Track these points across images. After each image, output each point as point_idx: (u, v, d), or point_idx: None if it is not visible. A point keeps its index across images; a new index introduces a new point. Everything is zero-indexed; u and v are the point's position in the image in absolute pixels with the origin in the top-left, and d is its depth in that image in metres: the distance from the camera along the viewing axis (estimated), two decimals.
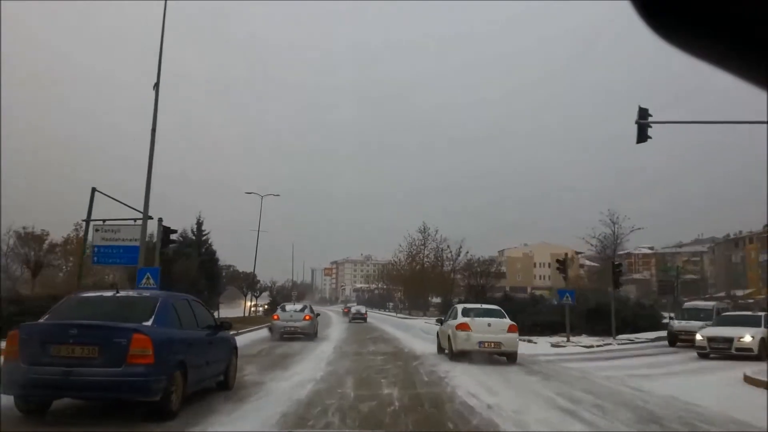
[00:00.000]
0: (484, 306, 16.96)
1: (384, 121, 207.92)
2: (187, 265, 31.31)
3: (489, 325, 14.07)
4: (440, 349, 16.07)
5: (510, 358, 14.04)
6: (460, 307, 15.80)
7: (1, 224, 29.37)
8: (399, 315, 65.58)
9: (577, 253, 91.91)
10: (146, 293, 7.70)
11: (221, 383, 8.75)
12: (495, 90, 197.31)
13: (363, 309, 48.72)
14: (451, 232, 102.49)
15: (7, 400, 6.46)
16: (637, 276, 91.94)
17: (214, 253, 39.62)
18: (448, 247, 57.71)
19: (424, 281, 58.52)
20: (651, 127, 15.02)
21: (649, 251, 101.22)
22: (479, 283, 43.62)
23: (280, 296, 57.21)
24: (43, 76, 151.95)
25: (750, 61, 0.84)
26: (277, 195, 46.24)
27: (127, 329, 6.30)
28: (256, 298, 53.34)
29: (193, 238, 38.36)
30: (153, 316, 6.76)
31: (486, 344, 13.72)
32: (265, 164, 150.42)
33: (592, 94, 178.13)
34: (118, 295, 7.48)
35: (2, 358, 6.55)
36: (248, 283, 48.94)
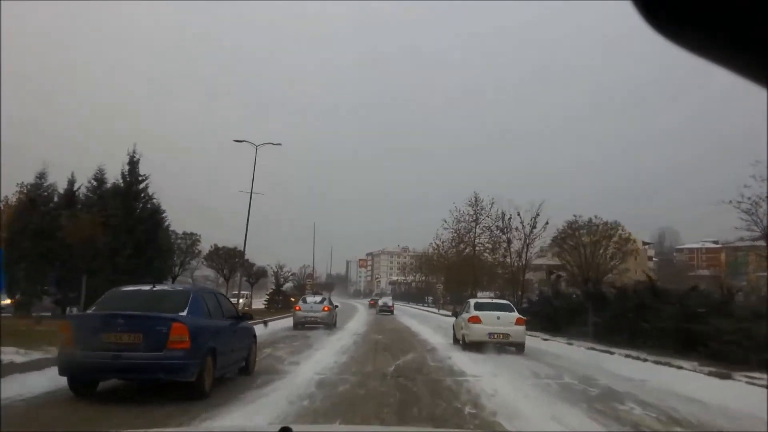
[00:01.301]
0: (495, 301, 18.99)
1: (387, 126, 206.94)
2: (78, 224, 20.13)
3: (498, 318, 15.78)
4: (455, 340, 17.90)
5: (518, 348, 15.62)
6: (473, 301, 17.66)
7: None
8: (441, 311, 53.68)
9: (645, 243, 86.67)
10: (179, 287, 9.25)
11: (243, 368, 10.00)
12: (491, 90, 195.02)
13: (390, 301, 51.26)
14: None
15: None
16: (702, 272, 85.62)
17: (156, 211, 25.60)
18: (519, 214, 34.05)
19: (474, 269, 41.09)
20: None
21: (715, 245, 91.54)
22: (586, 270, 25.04)
23: (295, 286, 49.42)
24: None
25: (750, 60, 0.83)
26: (278, 144, 34.37)
27: (167, 318, 7.51)
28: (252, 284, 43.15)
29: (121, 185, 24.58)
30: (187, 307, 7.91)
31: (495, 335, 15.42)
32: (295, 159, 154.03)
33: (592, 93, 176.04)
34: (155, 288, 8.78)
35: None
36: (231, 265, 36.66)
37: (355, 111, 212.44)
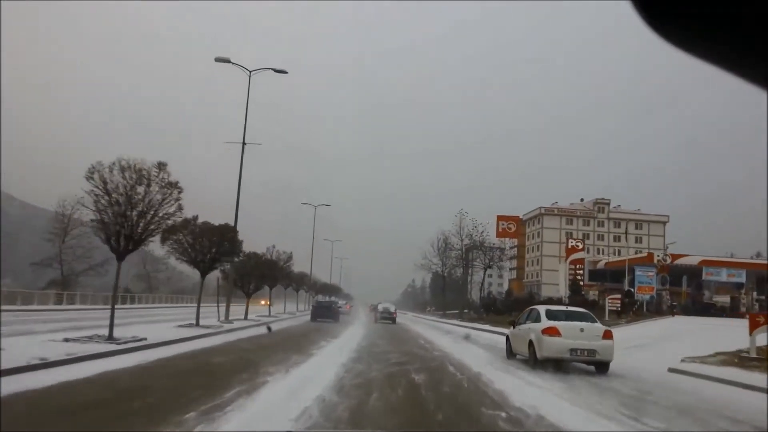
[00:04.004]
0: (570, 308, 16.03)
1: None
2: None
3: (582, 330, 13.33)
4: (510, 354, 15.89)
5: (601, 368, 13.26)
6: (542, 309, 15.01)
7: None
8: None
9: None
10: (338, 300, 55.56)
11: (337, 318, 39.00)
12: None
13: (392, 307, 45.19)
14: None
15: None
16: None
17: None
18: None
19: None
20: None
21: None
22: None
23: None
24: None
25: (750, 61, 0.85)
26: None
27: (340, 303, 53.25)
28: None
29: None
30: (344, 304, 57.28)
31: (579, 352, 13.04)
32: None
33: (592, 93, 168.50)
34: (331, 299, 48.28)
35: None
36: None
37: None
